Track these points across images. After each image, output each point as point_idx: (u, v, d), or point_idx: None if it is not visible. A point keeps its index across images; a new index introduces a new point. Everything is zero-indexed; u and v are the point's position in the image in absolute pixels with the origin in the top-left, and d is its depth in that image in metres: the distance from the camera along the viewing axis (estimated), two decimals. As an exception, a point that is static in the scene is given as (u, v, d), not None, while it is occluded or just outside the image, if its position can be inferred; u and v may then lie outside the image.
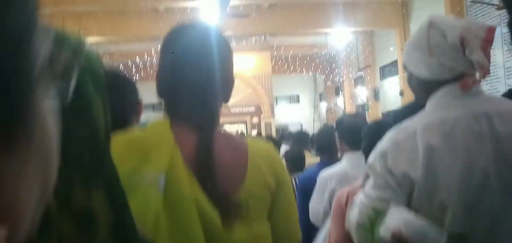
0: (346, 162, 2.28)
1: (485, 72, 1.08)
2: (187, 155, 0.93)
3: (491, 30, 1.09)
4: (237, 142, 1.06)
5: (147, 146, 0.93)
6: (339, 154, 2.51)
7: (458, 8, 10.81)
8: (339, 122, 2.47)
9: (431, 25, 1.13)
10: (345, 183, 2.06)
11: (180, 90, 1.02)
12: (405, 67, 1.29)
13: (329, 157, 2.88)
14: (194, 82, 1.00)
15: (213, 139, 0.95)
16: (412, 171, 1.05)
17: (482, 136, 1.05)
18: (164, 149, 0.91)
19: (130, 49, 17.32)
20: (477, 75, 1.11)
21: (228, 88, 1.09)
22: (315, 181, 2.62)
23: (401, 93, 14.41)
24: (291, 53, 19.02)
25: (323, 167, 2.75)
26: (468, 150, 1.05)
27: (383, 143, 1.16)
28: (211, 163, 0.92)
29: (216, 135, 0.98)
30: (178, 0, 11.08)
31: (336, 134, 2.44)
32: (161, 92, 1.08)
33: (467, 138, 1.06)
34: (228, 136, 1.12)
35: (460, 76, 1.10)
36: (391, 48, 15.11)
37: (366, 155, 1.38)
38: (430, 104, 1.15)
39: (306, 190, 2.81)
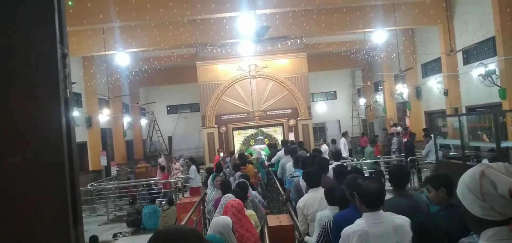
0: (365, 221, 2.63)
1: None
2: None
3: None
4: None
5: None
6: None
7: (508, 8, 10.14)
8: (358, 187, 2.76)
9: (483, 174, 1.30)
10: (365, 240, 2.57)
11: None
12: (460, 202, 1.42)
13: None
14: None
15: None
16: None
17: None
18: None
19: (168, 54, 17.66)
20: None
21: None
22: (350, 221, 2.88)
23: (446, 93, 13.85)
24: (328, 50, 18.71)
25: (357, 211, 3.04)
26: None
27: None
28: None
29: None
30: (215, 12, 11.12)
31: (355, 195, 2.77)
32: None
33: None
34: None
35: (510, 219, 1.24)
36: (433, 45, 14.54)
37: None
38: (484, 239, 1.31)
39: (340, 229, 3.08)
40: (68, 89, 0.96)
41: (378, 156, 13.10)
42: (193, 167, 11.79)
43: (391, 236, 2.58)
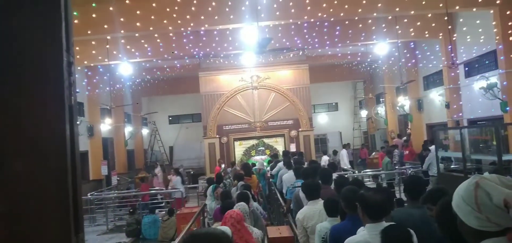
0: (368, 232, 2.62)
1: None
2: None
3: None
4: None
5: None
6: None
7: (510, 22, 10.19)
8: (361, 198, 2.73)
9: (478, 186, 1.31)
10: (368, 251, 2.56)
11: None
12: (456, 213, 1.43)
13: (356, 214, 3.17)
14: None
15: None
16: None
17: None
18: None
19: (171, 64, 17.73)
20: None
21: None
22: (346, 233, 2.89)
23: (447, 106, 13.85)
24: (330, 62, 18.77)
25: (352, 223, 3.08)
26: None
27: None
28: None
29: None
30: (218, 23, 11.19)
31: (358, 206, 2.74)
32: None
33: None
34: None
35: (506, 229, 1.25)
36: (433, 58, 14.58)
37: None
38: None
39: (337, 240, 3.12)
40: (72, 97, 0.98)
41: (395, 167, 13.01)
42: (178, 179, 11.78)
43: None
